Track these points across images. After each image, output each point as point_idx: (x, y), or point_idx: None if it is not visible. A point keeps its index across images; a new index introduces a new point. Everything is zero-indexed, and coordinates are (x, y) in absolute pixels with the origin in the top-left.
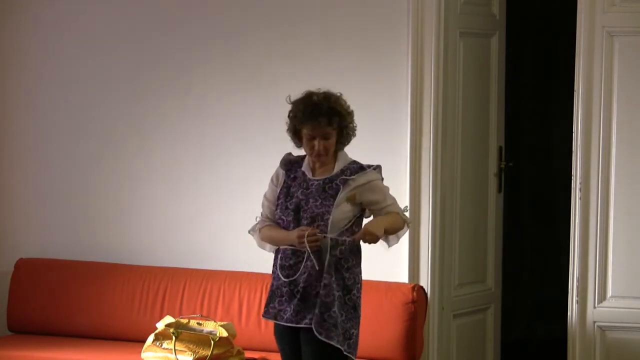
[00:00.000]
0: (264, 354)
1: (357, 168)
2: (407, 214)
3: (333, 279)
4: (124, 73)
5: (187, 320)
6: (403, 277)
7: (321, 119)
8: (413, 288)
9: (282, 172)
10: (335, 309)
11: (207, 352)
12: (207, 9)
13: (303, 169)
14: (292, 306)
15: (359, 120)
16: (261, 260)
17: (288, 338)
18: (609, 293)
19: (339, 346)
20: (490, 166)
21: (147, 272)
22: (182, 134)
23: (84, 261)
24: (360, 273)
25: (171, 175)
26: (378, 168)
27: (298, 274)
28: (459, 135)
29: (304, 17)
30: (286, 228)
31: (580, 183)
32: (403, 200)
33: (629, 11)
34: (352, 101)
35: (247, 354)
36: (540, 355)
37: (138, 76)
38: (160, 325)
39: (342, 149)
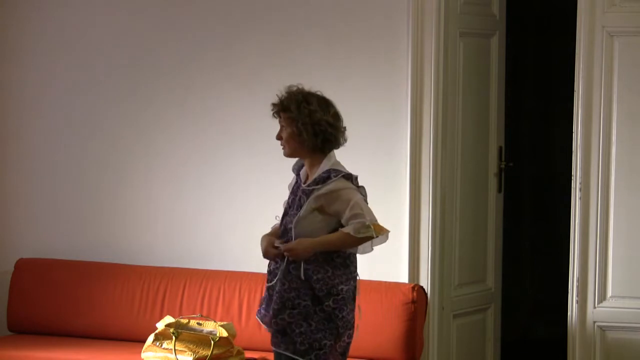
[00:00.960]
0: (264, 354)
1: (325, 177)
2: (369, 227)
3: (298, 288)
4: (124, 74)
5: (187, 320)
6: (403, 277)
7: (274, 112)
8: (413, 288)
9: (293, 176)
10: (285, 316)
11: (207, 352)
12: (207, 11)
13: (301, 173)
14: (270, 311)
15: (358, 120)
16: (261, 261)
17: None
18: (609, 293)
19: (288, 354)
20: (490, 166)
21: (147, 272)
22: (182, 135)
23: (84, 261)
24: (344, 284)
25: (171, 175)
26: (348, 176)
27: (275, 280)
28: (459, 135)
29: (304, 17)
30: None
31: (580, 183)
32: (403, 200)
33: (629, 11)
34: (352, 101)
35: (247, 354)
36: (540, 355)
37: (138, 77)
38: (160, 325)
39: (310, 149)
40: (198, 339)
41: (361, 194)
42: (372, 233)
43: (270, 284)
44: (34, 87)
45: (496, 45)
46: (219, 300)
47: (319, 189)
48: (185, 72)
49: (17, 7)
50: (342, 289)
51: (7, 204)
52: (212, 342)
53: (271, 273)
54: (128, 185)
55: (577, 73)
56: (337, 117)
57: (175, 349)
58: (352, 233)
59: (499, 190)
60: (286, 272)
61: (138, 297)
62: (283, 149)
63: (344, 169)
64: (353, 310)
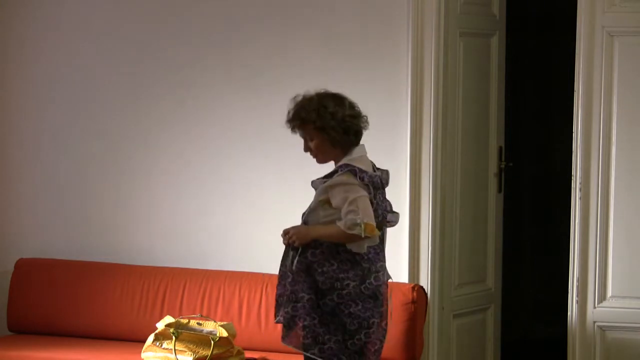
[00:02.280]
0: (264, 354)
1: (334, 171)
2: (360, 225)
3: (302, 280)
4: (124, 73)
5: (187, 320)
6: (403, 277)
7: (292, 128)
8: (413, 288)
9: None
10: (289, 309)
11: (207, 352)
12: (208, 12)
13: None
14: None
15: None
16: (261, 260)
17: None
18: (609, 293)
19: (292, 347)
20: (490, 166)
21: (147, 272)
22: (182, 135)
23: (84, 261)
24: (351, 280)
25: (171, 175)
26: (353, 171)
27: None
28: (459, 135)
29: (304, 17)
30: None
31: (580, 183)
32: (403, 200)
33: (629, 11)
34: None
35: (247, 354)
36: (540, 355)
37: (138, 77)
38: (160, 325)
39: (345, 147)
40: (198, 339)
41: (369, 191)
42: (361, 232)
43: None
44: (34, 88)
45: (496, 45)
46: (219, 300)
47: (324, 181)
48: (185, 73)
49: (17, 8)
50: (348, 284)
51: (7, 204)
52: (212, 342)
53: (281, 277)
54: (128, 186)
55: (577, 73)
56: (352, 106)
57: (175, 349)
58: (342, 227)
59: (499, 191)
60: (291, 265)
61: (138, 297)
62: (315, 157)
63: (358, 163)
64: (372, 309)
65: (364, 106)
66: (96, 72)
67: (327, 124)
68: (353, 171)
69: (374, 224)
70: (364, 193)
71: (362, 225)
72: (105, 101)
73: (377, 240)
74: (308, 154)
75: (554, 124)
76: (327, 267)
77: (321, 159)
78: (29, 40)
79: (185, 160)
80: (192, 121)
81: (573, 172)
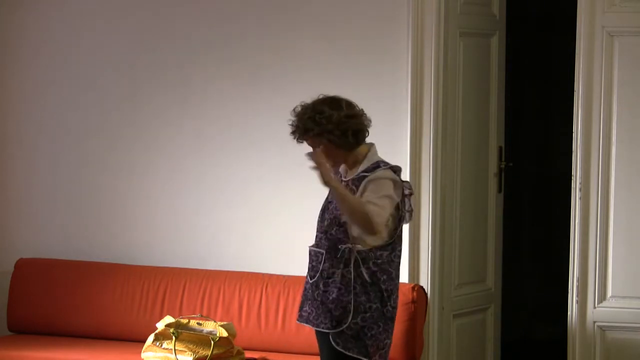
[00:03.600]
0: (264, 354)
1: (372, 168)
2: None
3: (368, 291)
4: (123, 72)
5: (187, 320)
6: (403, 277)
7: (296, 139)
8: (413, 288)
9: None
10: (358, 320)
11: (207, 352)
12: (207, 9)
13: (340, 169)
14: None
15: None
16: (261, 260)
17: None
18: (609, 293)
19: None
20: (490, 166)
21: (147, 272)
22: (182, 134)
23: (84, 261)
24: (372, 302)
25: (171, 175)
26: (394, 168)
27: (316, 278)
28: (459, 135)
29: (304, 17)
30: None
31: (580, 183)
32: None
33: (629, 11)
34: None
35: (247, 354)
36: (540, 355)
37: (138, 76)
38: (160, 325)
39: (348, 148)
40: (198, 339)
41: (403, 192)
42: (376, 228)
43: (312, 281)
44: (33, 87)
45: (496, 45)
46: (219, 300)
47: (368, 175)
48: (184, 71)
49: (16, 8)
50: (370, 307)
51: (7, 204)
52: (212, 342)
53: (312, 269)
54: (128, 185)
55: (577, 73)
56: (350, 106)
57: (175, 349)
58: (369, 211)
59: (499, 191)
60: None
61: (138, 297)
62: (332, 165)
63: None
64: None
65: (364, 106)
66: (95, 71)
67: (325, 129)
68: (394, 168)
69: (383, 227)
70: (394, 198)
71: (375, 220)
72: (105, 101)
73: (375, 243)
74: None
75: (554, 124)
76: (387, 275)
77: (332, 164)
78: (27, 40)
79: (185, 160)
80: (191, 120)
81: (573, 172)
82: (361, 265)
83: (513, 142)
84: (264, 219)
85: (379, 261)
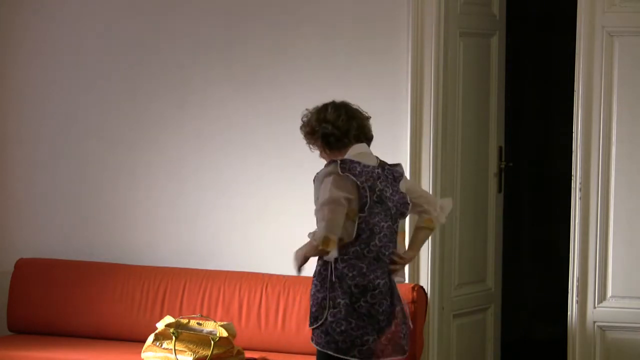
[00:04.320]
0: (264, 354)
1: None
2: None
3: (337, 287)
4: (123, 73)
5: (187, 320)
6: None
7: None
8: (413, 288)
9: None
10: (327, 315)
11: (207, 352)
12: (207, 11)
13: None
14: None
15: None
16: (261, 260)
17: None
18: (609, 293)
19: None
20: (490, 166)
21: (147, 272)
22: (182, 134)
23: (84, 261)
24: (379, 278)
25: (171, 175)
26: (335, 163)
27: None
28: (459, 135)
29: (304, 17)
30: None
31: (580, 183)
32: None
33: (629, 11)
34: (352, 101)
35: (247, 354)
36: (540, 355)
37: (138, 76)
38: (160, 325)
39: (330, 149)
40: (198, 339)
41: (351, 181)
42: (319, 244)
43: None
44: (34, 88)
45: (496, 45)
46: (219, 300)
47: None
48: (184, 71)
49: (16, 8)
50: (378, 283)
51: (7, 204)
52: (212, 342)
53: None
54: (128, 185)
55: (577, 73)
56: (336, 110)
57: (175, 349)
58: (314, 243)
59: (499, 191)
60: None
61: (138, 297)
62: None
63: (354, 158)
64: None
65: (364, 106)
66: (95, 72)
67: (307, 133)
68: (334, 163)
69: (334, 237)
70: (335, 194)
71: (321, 239)
72: (105, 101)
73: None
74: (315, 154)
75: (554, 124)
76: (357, 270)
77: (326, 159)
78: (28, 41)
79: (184, 160)
80: (191, 121)
81: (573, 172)
82: (335, 262)
83: (513, 142)
84: (264, 219)
85: (346, 257)
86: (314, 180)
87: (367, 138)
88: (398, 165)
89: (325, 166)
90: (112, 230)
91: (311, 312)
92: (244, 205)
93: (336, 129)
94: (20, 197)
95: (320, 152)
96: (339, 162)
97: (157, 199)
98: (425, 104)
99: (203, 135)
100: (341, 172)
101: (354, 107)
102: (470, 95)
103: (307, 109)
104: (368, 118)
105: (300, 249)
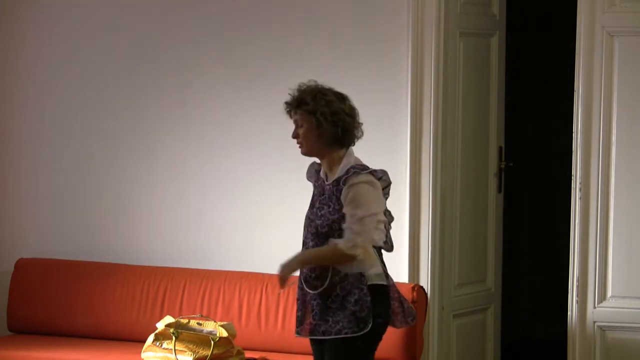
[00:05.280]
0: (264, 354)
1: (346, 177)
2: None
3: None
4: (123, 73)
5: (187, 320)
6: (403, 277)
7: (288, 110)
8: (413, 288)
9: (312, 185)
10: None
11: (207, 352)
12: (208, 12)
13: (321, 174)
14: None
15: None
16: (261, 260)
17: None
18: (609, 293)
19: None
20: (490, 166)
21: (147, 272)
22: (182, 134)
23: (84, 261)
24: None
25: (171, 175)
26: (372, 172)
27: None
28: (459, 135)
29: (304, 17)
30: (304, 241)
31: (580, 183)
32: (403, 200)
33: (629, 11)
34: (352, 101)
35: (247, 354)
36: (540, 355)
37: (138, 76)
38: (160, 325)
39: (330, 142)
40: (198, 339)
41: (386, 193)
42: (357, 253)
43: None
44: (34, 88)
45: (496, 45)
46: (219, 300)
47: (344, 180)
48: (186, 72)
49: (17, 8)
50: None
51: (7, 204)
52: (212, 342)
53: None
54: (128, 186)
55: (577, 73)
56: (352, 109)
57: (175, 349)
58: (342, 247)
59: (499, 190)
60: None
61: (138, 297)
62: (300, 147)
63: (365, 165)
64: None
65: (364, 106)
66: (96, 73)
67: (320, 109)
68: (372, 172)
69: (371, 247)
70: (376, 209)
71: (359, 247)
72: (105, 101)
73: (369, 269)
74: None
75: (554, 124)
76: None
77: (305, 149)
78: (29, 41)
79: (185, 160)
80: (192, 121)
81: (573, 172)
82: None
83: (513, 142)
84: (264, 219)
85: None
86: (341, 183)
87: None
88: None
89: (359, 173)
90: (112, 230)
91: (361, 317)
92: (244, 206)
93: (354, 127)
94: (20, 197)
95: (302, 133)
96: (376, 174)
97: (157, 199)
98: (425, 104)
99: (204, 136)
100: (376, 180)
101: None
102: (470, 95)
103: (309, 82)
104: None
105: (290, 261)
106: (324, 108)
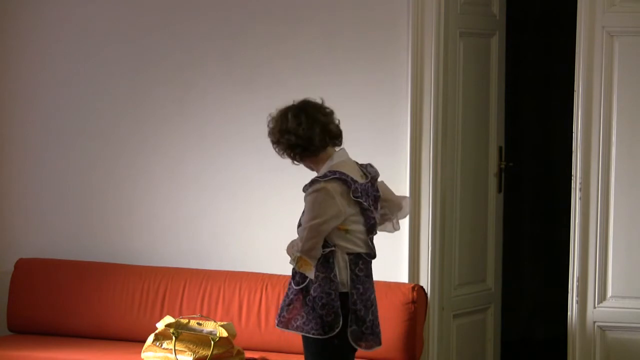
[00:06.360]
0: (264, 354)
1: (318, 177)
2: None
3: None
4: (123, 73)
5: (187, 320)
6: (403, 277)
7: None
8: (413, 288)
9: None
10: None
11: (207, 352)
12: (206, 9)
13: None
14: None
15: (358, 120)
16: (261, 260)
17: None
18: (609, 293)
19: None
20: (490, 166)
21: (147, 272)
22: (182, 135)
23: (84, 261)
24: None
25: (171, 175)
26: (333, 179)
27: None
28: (459, 135)
29: (304, 17)
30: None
31: (580, 183)
32: None
33: (629, 11)
34: (352, 101)
35: (247, 354)
36: (540, 355)
37: (138, 76)
38: (160, 325)
39: (303, 157)
40: (198, 339)
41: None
42: (294, 264)
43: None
44: (35, 89)
45: (496, 45)
46: (219, 300)
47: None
48: (185, 73)
49: (16, 8)
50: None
51: (7, 204)
52: (212, 342)
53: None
54: (128, 186)
55: (577, 73)
56: (297, 120)
57: (175, 349)
58: (294, 249)
59: (499, 190)
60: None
61: (138, 297)
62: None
63: (341, 168)
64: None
65: (364, 106)
66: (96, 74)
67: (273, 140)
68: (319, 180)
69: (312, 261)
70: (326, 215)
71: (297, 259)
72: (105, 102)
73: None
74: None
75: (554, 124)
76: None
77: (307, 168)
78: (31, 43)
79: (185, 161)
80: (192, 122)
81: (573, 172)
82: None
83: (513, 142)
84: (264, 219)
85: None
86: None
87: (334, 137)
88: (372, 167)
89: (322, 178)
90: (112, 230)
91: (327, 322)
92: (244, 206)
93: (299, 138)
94: (20, 197)
95: (292, 159)
96: (341, 178)
97: (157, 199)
98: (425, 104)
99: (204, 136)
100: (332, 187)
101: (315, 105)
102: (470, 95)
103: (270, 114)
104: (331, 113)
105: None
106: (272, 137)
